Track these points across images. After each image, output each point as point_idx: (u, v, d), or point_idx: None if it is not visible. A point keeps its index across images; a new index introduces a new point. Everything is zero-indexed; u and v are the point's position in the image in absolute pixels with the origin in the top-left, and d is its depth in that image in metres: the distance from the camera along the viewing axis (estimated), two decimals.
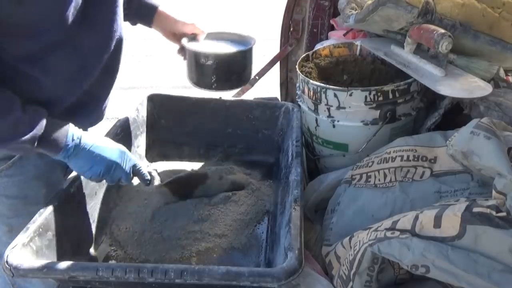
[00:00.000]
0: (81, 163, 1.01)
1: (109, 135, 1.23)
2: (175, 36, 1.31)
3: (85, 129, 1.21)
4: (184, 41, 1.27)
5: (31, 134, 0.93)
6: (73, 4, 0.94)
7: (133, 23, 1.31)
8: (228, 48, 1.28)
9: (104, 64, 1.10)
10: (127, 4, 1.23)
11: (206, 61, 1.22)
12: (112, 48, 1.10)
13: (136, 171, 1.10)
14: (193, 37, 1.30)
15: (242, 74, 1.28)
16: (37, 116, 0.95)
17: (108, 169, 1.03)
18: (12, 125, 0.92)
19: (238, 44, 1.31)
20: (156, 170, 1.19)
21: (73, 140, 0.99)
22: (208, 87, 1.27)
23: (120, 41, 1.12)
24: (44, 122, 0.95)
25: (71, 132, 0.99)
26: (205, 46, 1.28)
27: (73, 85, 1.07)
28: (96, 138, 1.03)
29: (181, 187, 1.25)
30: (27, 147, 0.95)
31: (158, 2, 1.31)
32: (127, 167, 1.06)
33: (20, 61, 0.97)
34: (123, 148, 1.08)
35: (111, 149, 1.04)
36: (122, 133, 1.29)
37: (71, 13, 0.95)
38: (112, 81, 1.18)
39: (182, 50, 1.29)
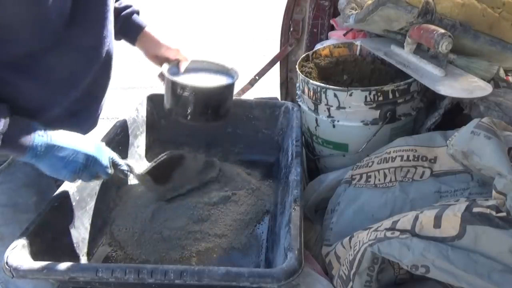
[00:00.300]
0: (54, 161, 0.94)
1: (109, 135, 1.23)
2: (158, 58, 1.28)
3: None
4: (164, 67, 1.23)
5: None
6: (56, 9, 0.91)
7: (117, 38, 1.26)
8: (207, 81, 1.24)
9: (94, 73, 1.07)
10: (115, 18, 1.20)
11: (182, 92, 1.18)
12: (103, 55, 1.07)
13: (113, 163, 1.06)
14: (175, 63, 1.27)
15: (219, 109, 1.24)
16: None
17: (86, 164, 0.97)
18: None
19: (221, 76, 1.28)
20: (131, 162, 1.15)
21: (41, 137, 0.93)
22: (183, 117, 1.23)
23: (110, 49, 1.09)
24: (6, 119, 0.89)
25: (38, 129, 0.93)
26: (184, 76, 1.26)
27: (59, 94, 1.03)
28: (67, 134, 0.98)
29: (160, 173, 1.23)
30: None
31: (146, 22, 1.28)
32: (105, 160, 1.01)
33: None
34: (98, 141, 1.03)
35: (86, 143, 0.99)
36: (122, 133, 1.29)
37: (54, 19, 0.92)
38: (104, 89, 1.15)
39: (162, 75, 1.25)
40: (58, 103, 1.04)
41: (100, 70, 1.09)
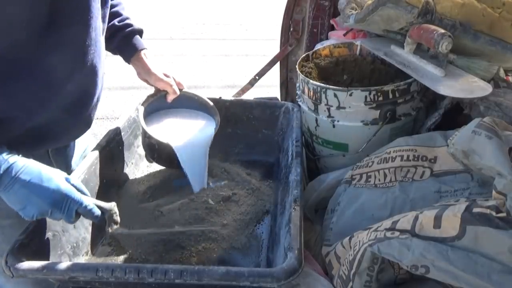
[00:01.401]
0: (13, 199, 0.87)
1: (109, 135, 1.23)
2: (149, 83, 1.29)
3: (65, 144, 1.16)
4: (140, 109, 1.25)
5: None
6: (26, 13, 0.85)
7: (114, 53, 1.27)
8: (185, 127, 1.27)
9: (78, 81, 1.03)
10: (113, 32, 1.20)
11: (149, 140, 1.21)
12: (87, 63, 1.03)
13: (84, 212, 0.93)
14: (163, 95, 1.29)
15: None
16: None
17: (42, 214, 0.88)
18: None
19: (203, 118, 1.32)
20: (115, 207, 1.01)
21: (2, 170, 0.84)
22: (151, 157, 1.28)
23: (95, 57, 1.05)
24: None
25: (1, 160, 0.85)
26: (161, 118, 1.29)
27: (40, 102, 0.98)
28: (33, 172, 0.88)
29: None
30: None
31: (143, 45, 1.27)
32: (67, 212, 0.90)
33: None
34: (65, 187, 0.90)
35: (47, 191, 0.87)
36: (122, 133, 1.29)
37: (25, 23, 0.86)
38: (92, 97, 1.11)
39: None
40: (39, 111, 1.00)
41: (85, 79, 1.06)
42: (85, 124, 1.15)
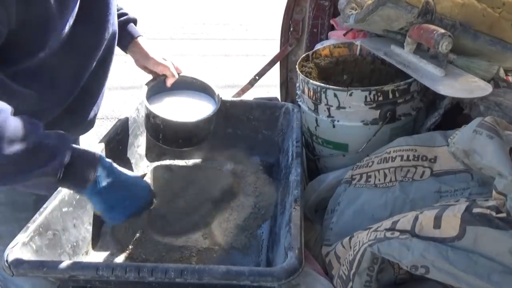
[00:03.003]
0: (112, 200, 0.95)
1: (109, 135, 1.23)
2: (147, 69, 1.30)
3: (75, 137, 1.18)
4: (144, 88, 1.25)
5: (54, 162, 0.84)
6: (70, 8, 0.90)
7: None
8: (186, 107, 1.27)
9: (91, 72, 1.07)
10: None
11: (154, 120, 1.22)
12: (100, 54, 1.07)
13: None
14: (162, 79, 1.29)
15: (191, 139, 1.27)
16: (61, 141, 0.86)
17: (139, 210, 1.03)
18: (31, 152, 0.81)
19: (204, 100, 1.31)
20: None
21: (105, 170, 0.91)
22: (156, 140, 1.28)
23: (110, 48, 1.08)
24: (69, 148, 0.87)
25: (101, 161, 0.91)
26: (164, 98, 1.29)
27: (61, 96, 1.02)
28: (123, 172, 0.98)
29: None
30: (49, 180, 0.86)
31: (139, 32, 1.28)
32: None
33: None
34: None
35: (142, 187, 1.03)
36: (122, 133, 1.29)
37: (68, 18, 0.91)
38: (100, 88, 1.14)
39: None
40: (59, 105, 1.03)
41: (96, 69, 1.08)
42: (91, 119, 1.17)
